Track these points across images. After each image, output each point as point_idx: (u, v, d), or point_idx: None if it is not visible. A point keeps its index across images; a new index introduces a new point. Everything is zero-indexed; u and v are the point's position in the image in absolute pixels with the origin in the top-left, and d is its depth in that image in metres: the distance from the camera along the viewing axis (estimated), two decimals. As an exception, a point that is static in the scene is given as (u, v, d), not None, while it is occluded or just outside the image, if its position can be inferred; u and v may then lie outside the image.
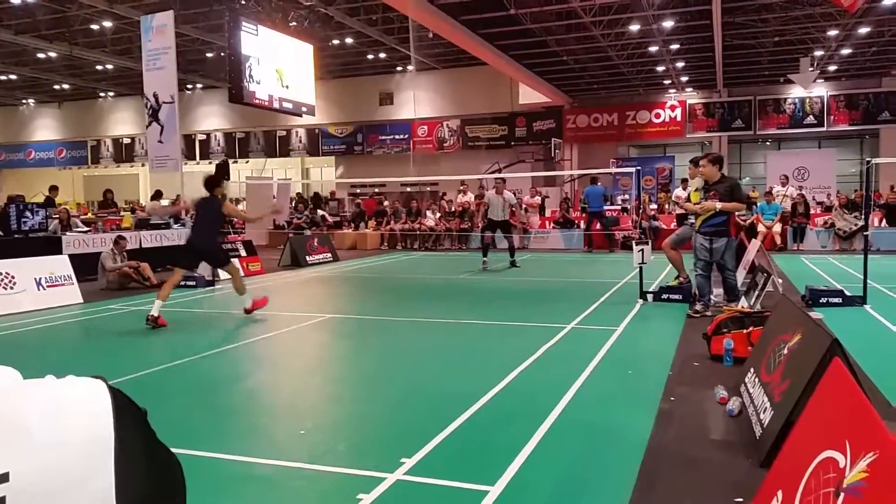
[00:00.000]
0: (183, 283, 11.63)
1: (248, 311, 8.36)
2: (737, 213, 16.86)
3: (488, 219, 14.24)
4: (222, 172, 8.23)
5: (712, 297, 8.21)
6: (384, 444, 4.00)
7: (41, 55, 25.35)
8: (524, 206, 20.49)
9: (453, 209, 20.94)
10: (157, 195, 17.01)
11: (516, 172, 25.81)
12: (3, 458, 0.87)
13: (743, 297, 7.86)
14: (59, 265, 10.23)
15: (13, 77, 29.66)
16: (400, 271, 14.80)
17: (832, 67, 24.51)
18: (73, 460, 0.91)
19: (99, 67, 27.73)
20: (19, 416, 0.91)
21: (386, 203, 22.90)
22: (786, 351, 4.03)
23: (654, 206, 21.37)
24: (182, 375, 5.80)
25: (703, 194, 7.95)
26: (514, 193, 17.26)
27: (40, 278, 9.78)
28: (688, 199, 9.14)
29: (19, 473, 0.87)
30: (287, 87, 18.24)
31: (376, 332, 7.66)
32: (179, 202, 10.83)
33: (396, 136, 30.66)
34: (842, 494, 2.14)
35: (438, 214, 20.96)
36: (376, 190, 29.16)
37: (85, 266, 11.32)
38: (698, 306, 7.89)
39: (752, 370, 4.57)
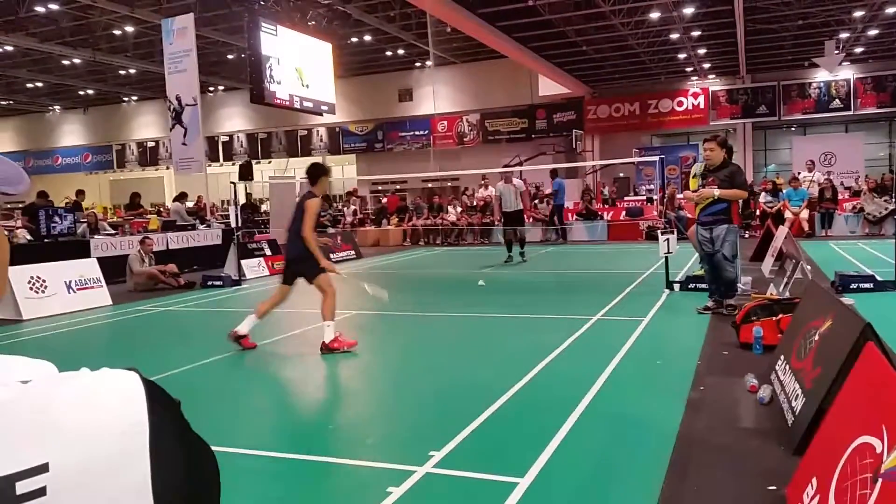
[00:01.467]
0: (209, 282, 11.80)
1: (324, 347, 6.37)
2: (763, 201, 16.81)
3: (504, 213, 13.78)
4: (324, 168, 6.67)
5: (741, 285, 8.09)
6: (413, 438, 4.01)
7: (66, 62, 25.75)
8: (544, 198, 20.41)
9: (475, 203, 20.92)
10: (182, 197, 17.21)
11: (537, 164, 25.69)
12: (42, 449, 0.88)
13: (772, 285, 7.75)
14: (88, 268, 10.39)
15: (39, 84, 30.16)
16: (423, 267, 14.81)
17: (858, 49, 24.01)
18: (110, 450, 0.92)
19: (122, 72, 28.10)
20: (56, 407, 0.92)
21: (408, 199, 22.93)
22: (817, 337, 3.96)
23: (681, 195, 21.12)
24: (210, 373, 5.86)
25: (702, 181, 7.38)
26: (534, 184, 17.15)
27: (70, 281, 9.94)
28: (687, 185, 8.64)
29: (58, 464, 0.88)
30: (307, 86, 18.33)
31: (401, 328, 7.68)
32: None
33: (417, 133, 30.67)
34: (879, 480, 2.11)
35: (460, 209, 20.95)
36: (398, 186, 29.21)
37: (113, 268, 11.49)
38: (710, 303, 7.44)
39: (782, 357, 4.51)
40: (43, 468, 0.88)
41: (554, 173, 19.43)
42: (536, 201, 20.90)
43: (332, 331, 6.36)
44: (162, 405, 1.01)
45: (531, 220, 19.91)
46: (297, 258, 6.51)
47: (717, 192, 7.07)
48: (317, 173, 6.64)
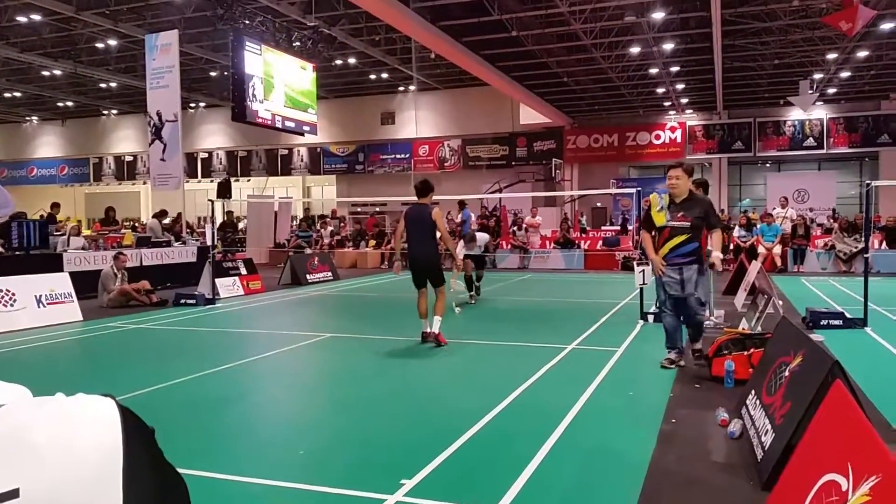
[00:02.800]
0: (182, 301, 11.67)
1: (433, 337, 7.58)
2: (737, 236, 17.06)
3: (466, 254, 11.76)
4: (432, 184, 7.62)
5: (713, 318, 8.18)
6: (384, 465, 3.97)
7: (45, 73, 25.53)
8: (525, 226, 20.54)
9: (455, 228, 20.95)
10: (162, 214, 17.04)
11: (517, 192, 25.90)
12: (14, 475, 0.87)
13: (744, 319, 7.85)
14: (60, 282, 10.22)
15: (17, 94, 29.86)
16: (400, 290, 14.75)
17: (831, 90, 24.68)
18: (83, 477, 0.92)
19: (102, 85, 27.91)
20: (30, 433, 0.91)
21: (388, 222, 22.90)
22: (787, 373, 4.02)
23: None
24: (181, 394, 5.78)
25: (669, 215, 6.29)
26: (513, 211, 16.69)
27: (40, 295, 9.77)
28: (647, 219, 6.54)
29: (29, 490, 0.87)
30: (289, 106, 18.36)
31: (376, 352, 7.63)
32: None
33: (398, 156, 30.80)
34: (844, 518, 2.14)
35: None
36: (377, 209, 29.24)
37: (86, 283, 11.31)
38: (672, 355, 6.43)
39: (753, 392, 4.56)
40: (13, 493, 0.87)
41: (462, 204, 19.64)
42: (515, 228, 21.02)
43: (439, 324, 7.48)
44: (137, 432, 1.01)
45: (509, 247, 20.02)
46: (431, 266, 7.61)
47: (720, 255, 6.34)
48: (427, 189, 7.69)
